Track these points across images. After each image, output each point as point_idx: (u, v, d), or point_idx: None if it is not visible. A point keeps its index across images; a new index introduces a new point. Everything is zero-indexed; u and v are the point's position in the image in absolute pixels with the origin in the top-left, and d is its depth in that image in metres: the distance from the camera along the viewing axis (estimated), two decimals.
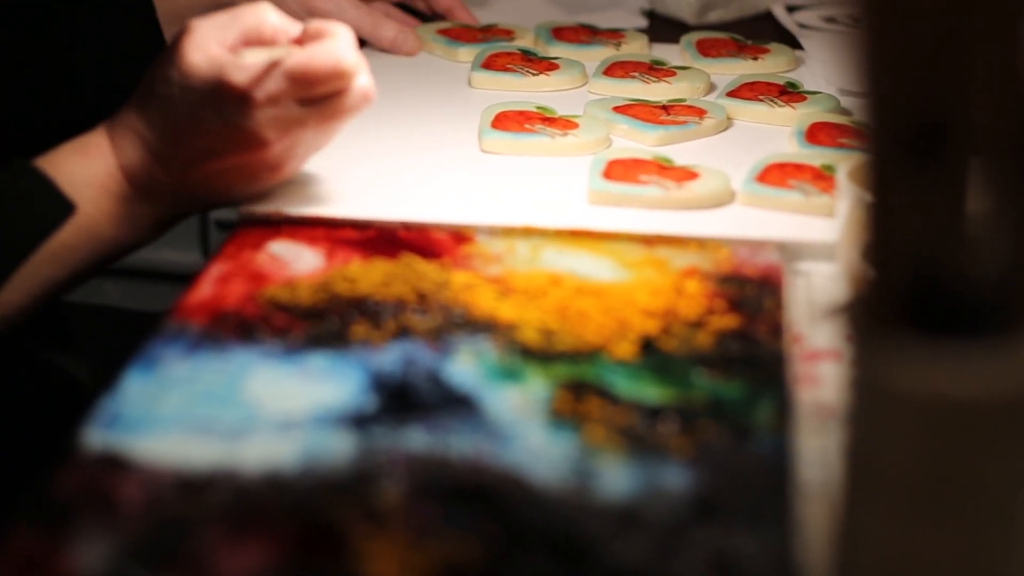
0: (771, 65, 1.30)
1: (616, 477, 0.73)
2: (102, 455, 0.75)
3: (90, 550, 0.68)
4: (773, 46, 1.34)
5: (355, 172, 1.08)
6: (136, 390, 0.80)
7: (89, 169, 0.98)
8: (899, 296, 0.54)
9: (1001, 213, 0.52)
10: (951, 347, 0.52)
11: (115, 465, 0.74)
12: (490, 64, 1.29)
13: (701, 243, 0.98)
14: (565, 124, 1.15)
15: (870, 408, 0.54)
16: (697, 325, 0.87)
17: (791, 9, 1.52)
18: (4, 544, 0.68)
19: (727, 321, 0.88)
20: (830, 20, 1.47)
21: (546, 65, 1.29)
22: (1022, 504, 0.54)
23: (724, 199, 1.03)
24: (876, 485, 0.54)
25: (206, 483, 0.73)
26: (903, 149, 0.53)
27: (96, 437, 0.76)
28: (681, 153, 1.11)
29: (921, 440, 0.53)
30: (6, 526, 0.69)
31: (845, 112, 1.18)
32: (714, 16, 1.51)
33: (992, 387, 0.52)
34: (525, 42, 1.35)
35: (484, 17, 1.47)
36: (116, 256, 1.01)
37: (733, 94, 1.21)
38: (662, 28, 1.47)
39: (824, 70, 1.30)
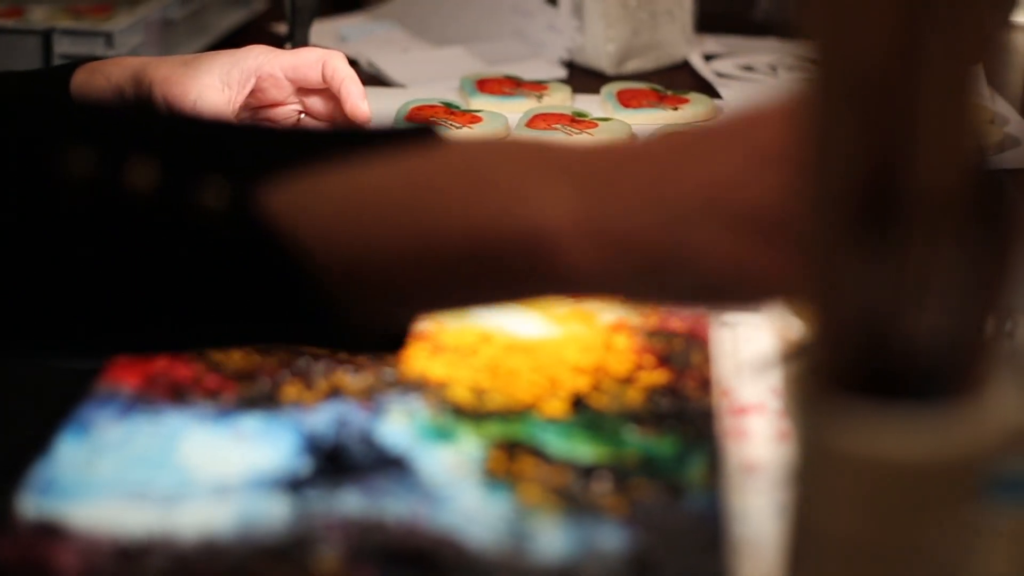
0: (691, 114, 1.32)
1: (552, 538, 0.74)
2: (37, 522, 0.74)
3: None
4: (692, 96, 1.36)
5: None
6: (70, 455, 0.80)
7: None
8: (845, 358, 0.55)
9: (947, 278, 0.53)
10: (897, 410, 0.53)
11: (51, 532, 0.74)
12: (413, 117, 1.30)
13: None
14: None
15: (814, 470, 0.54)
16: (627, 381, 0.88)
17: (708, 58, 1.54)
18: None
19: (656, 377, 0.89)
20: (747, 68, 1.49)
21: (469, 118, 1.30)
22: (962, 567, 0.55)
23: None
24: (819, 549, 0.55)
25: (143, 550, 0.73)
26: (849, 213, 0.53)
27: (31, 503, 0.76)
28: None
29: (865, 504, 0.53)
30: None
31: None
32: (632, 66, 1.52)
33: (937, 451, 0.53)
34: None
35: (408, 69, 1.48)
36: None
37: None
38: (583, 78, 1.49)
39: None
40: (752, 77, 1.46)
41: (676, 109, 1.33)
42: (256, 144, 0.65)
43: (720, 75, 1.48)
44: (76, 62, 1.21)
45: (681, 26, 1.54)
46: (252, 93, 1.19)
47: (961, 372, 0.54)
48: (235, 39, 1.64)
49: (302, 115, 1.23)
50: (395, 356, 0.73)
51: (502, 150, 0.63)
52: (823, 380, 0.54)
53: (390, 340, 0.65)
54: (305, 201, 0.61)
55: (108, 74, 1.18)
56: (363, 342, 0.64)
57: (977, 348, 0.55)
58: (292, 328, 0.64)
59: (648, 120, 1.31)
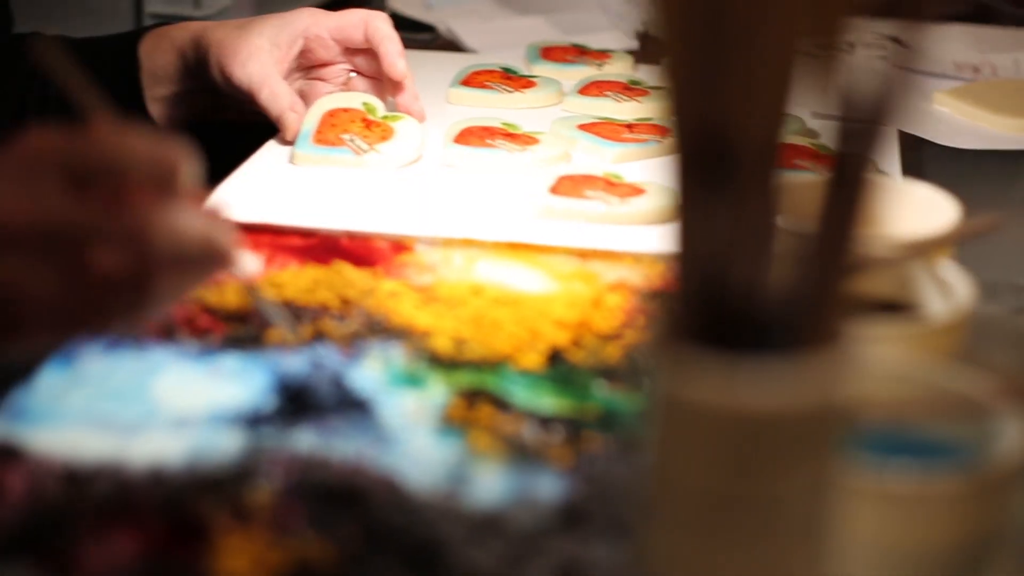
0: None
1: (488, 484, 0.74)
2: None
3: None
4: None
5: (318, 181, 1.11)
6: (48, 384, 0.82)
7: None
8: (694, 309, 0.54)
9: (769, 227, 0.53)
10: (744, 360, 0.52)
11: (8, 455, 0.76)
12: (469, 81, 1.31)
13: (637, 258, 0.99)
14: (526, 140, 1.16)
15: (667, 421, 0.54)
16: (610, 338, 0.88)
17: None
18: None
19: (641, 336, 0.88)
20: (823, 47, 1.47)
21: (524, 83, 1.30)
22: (818, 520, 0.54)
23: (668, 216, 1.04)
24: (673, 500, 0.55)
25: (91, 476, 0.74)
26: (693, 163, 0.53)
27: None
28: (637, 171, 1.12)
29: (715, 454, 0.53)
30: None
31: (810, 134, 1.18)
32: None
33: (785, 401, 0.52)
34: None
35: (483, 36, 1.49)
36: None
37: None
38: (655, 50, 1.48)
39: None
40: (827, 54, 1.43)
41: None
42: None
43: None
44: (144, 28, 1.24)
45: None
46: (302, 54, 1.21)
47: (805, 322, 0.53)
48: (333, 5, 1.65)
49: (352, 74, 1.24)
50: None
51: None
52: (675, 331, 0.54)
53: None
54: None
55: (173, 38, 1.21)
56: None
57: (825, 301, 0.54)
58: None
59: None
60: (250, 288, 0.84)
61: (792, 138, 1.16)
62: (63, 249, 0.67)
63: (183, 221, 0.68)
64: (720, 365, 0.52)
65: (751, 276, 0.53)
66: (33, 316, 0.68)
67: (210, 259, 0.70)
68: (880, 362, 0.63)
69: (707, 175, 0.53)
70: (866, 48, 1.54)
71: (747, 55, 0.52)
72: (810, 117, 1.21)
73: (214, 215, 0.70)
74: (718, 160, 0.52)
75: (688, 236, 0.54)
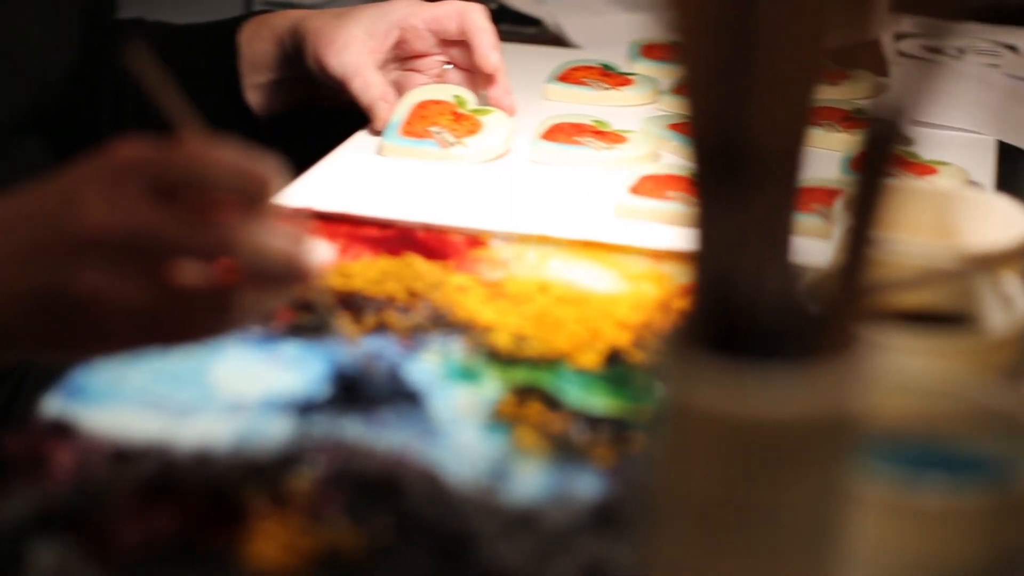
0: (849, 91, 1.29)
1: (527, 480, 0.73)
2: (53, 422, 0.78)
3: (4, 508, 0.71)
4: (856, 73, 1.32)
5: (402, 173, 1.12)
6: (107, 364, 0.83)
7: None
8: (705, 315, 0.54)
9: (784, 232, 0.52)
10: (754, 367, 0.51)
11: (60, 432, 0.77)
12: (566, 77, 1.31)
13: None
14: (614, 138, 1.15)
15: (674, 427, 0.54)
16: None
17: (901, 37, 1.50)
18: None
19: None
20: (932, 50, 1.44)
21: (621, 80, 1.29)
22: (827, 530, 0.53)
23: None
24: (681, 506, 0.54)
25: (139, 455, 0.75)
26: (706, 166, 0.53)
27: (54, 405, 0.79)
28: None
29: (723, 461, 0.52)
30: None
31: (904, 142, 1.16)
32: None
33: (793, 409, 0.51)
34: None
35: (589, 32, 1.49)
36: None
37: None
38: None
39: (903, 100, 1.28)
40: (934, 58, 1.41)
41: (835, 85, 1.29)
42: None
43: (902, 54, 1.43)
44: (244, 15, 1.26)
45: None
46: (398, 45, 1.22)
47: (811, 331, 0.52)
48: None
49: (447, 66, 1.24)
50: None
51: None
52: (686, 337, 0.53)
53: None
54: None
55: (272, 26, 1.23)
56: None
57: (840, 307, 0.53)
58: None
59: None
60: (315, 284, 0.85)
61: None
62: (148, 260, 0.67)
63: (267, 238, 0.68)
64: (729, 371, 0.52)
65: (761, 282, 0.53)
66: (115, 325, 0.68)
67: (290, 277, 0.70)
68: (914, 374, 0.62)
69: (719, 179, 0.52)
70: (978, 55, 1.51)
71: (771, 57, 0.51)
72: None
73: (296, 232, 0.70)
74: (730, 165, 0.52)
75: (701, 241, 0.53)
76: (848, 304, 0.53)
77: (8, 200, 0.71)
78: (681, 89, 0.53)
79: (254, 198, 0.69)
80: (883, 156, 0.52)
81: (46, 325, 0.69)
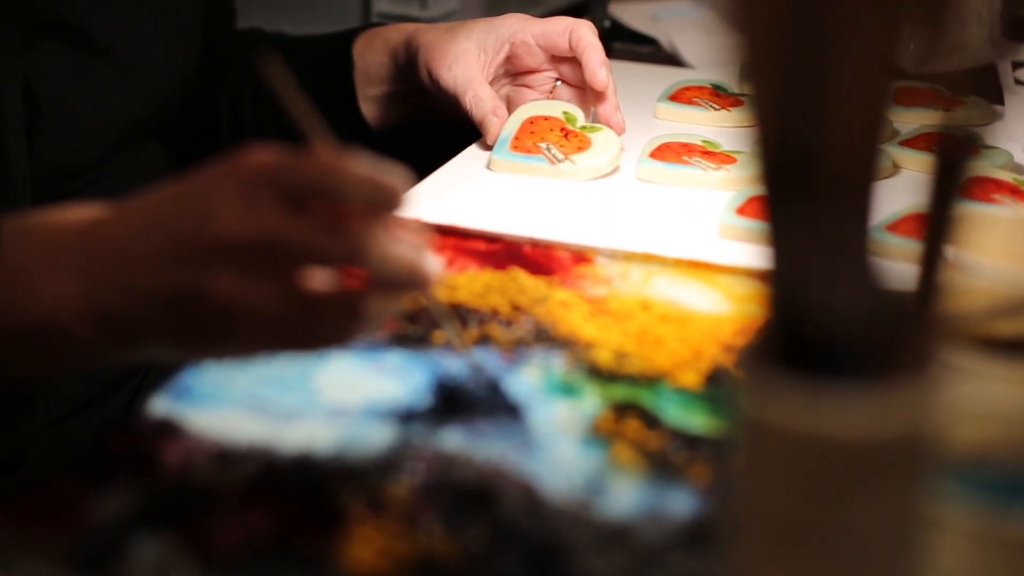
0: (963, 117, 1.28)
1: (622, 496, 0.74)
2: (160, 421, 0.80)
3: (109, 502, 0.73)
4: (970, 99, 1.31)
5: (510, 188, 1.13)
6: (215, 367, 0.85)
7: None
8: (782, 333, 0.54)
9: (858, 249, 0.52)
10: (828, 385, 0.52)
11: (166, 431, 0.79)
12: (677, 96, 1.31)
13: None
14: (723, 159, 1.15)
15: (751, 445, 0.54)
16: None
17: (1018, 65, 1.49)
18: (40, 485, 0.74)
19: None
20: None
21: (731, 101, 1.30)
22: (901, 551, 0.53)
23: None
24: (756, 525, 0.54)
25: (242, 457, 0.77)
26: (776, 182, 0.53)
27: (162, 405, 0.81)
28: None
29: (796, 478, 0.53)
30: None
31: (1018, 169, 1.15)
32: (937, 66, 1.48)
33: (867, 428, 0.51)
34: None
35: (703, 51, 1.49)
36: None
37: (907, 143, 1.20)
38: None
39: (1018, 127, 1.27)
40: None
41: (948, 111, 1.29)
42: None
43: (1020, 83, 1.42)
44: (359, 28, 1.28)
45: (989, 29, 1.48)
46: (508, 60, 1.23)
47: (886, 348, 0.52)
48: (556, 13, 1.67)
49: (558, 82, 1.25)
50: None
51: (21, 243, 0.73)
52: (761, 356, 0.54)
53: None
54: None
55: (386, 39, 1.24)
56: None
57: (911, 327, 0.53)
58: None
59: (914, 119, 1.27)
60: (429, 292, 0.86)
61: (996, 172, 1.13)
62: (279, 267, 0.69)
63: (394, 247, 0.70)
64: (802, 389, 0.52)
65: (832, 299, 0.53)
66: (247, 329, 0.70)
67: (413, 285, 0.71)
68: (1003, 402, 0.62)
69: (789, 194, 0.52)
70: None
71: (841, 70, 0.51)
72: (1022, 152, 1.19)
73: (418, 240, 0.71)
74: (799, 179, 0.52)
75: (773, 257, 0.54)
76: (924, 325, 0.53)
77: (140, 201, 0.72)
78: (750, 103, 0.53)
79: (384, 208, 0.70)
80: (955, 178, 0.52)
81: (180, 325, 0.70)
